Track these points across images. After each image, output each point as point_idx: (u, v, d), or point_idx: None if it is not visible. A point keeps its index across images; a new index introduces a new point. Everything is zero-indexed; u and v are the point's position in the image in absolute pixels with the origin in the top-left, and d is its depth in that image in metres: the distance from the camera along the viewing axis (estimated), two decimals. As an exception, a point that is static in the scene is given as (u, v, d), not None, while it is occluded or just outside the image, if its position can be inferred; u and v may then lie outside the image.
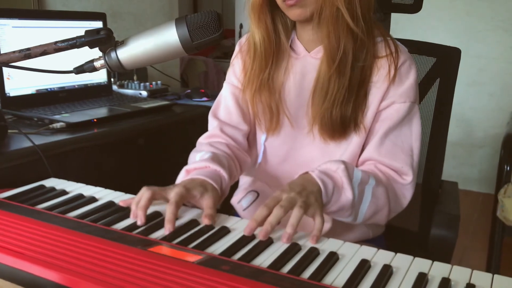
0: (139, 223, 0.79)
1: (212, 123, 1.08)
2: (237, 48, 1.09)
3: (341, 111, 0.93)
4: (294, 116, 1.01)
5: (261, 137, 1.06)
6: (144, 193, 0.82)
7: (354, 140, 0.96)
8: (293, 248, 0.71)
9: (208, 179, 0.89)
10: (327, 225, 0.96)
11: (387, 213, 0.93)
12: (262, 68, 0.99)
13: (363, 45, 0.93)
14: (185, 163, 0.99)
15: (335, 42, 0.91)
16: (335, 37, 0.91)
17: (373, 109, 0.95)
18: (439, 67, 1.16)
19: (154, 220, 0.80)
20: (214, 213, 0.82)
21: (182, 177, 0.94)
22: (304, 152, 1.02)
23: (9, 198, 0.89)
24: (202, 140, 1.07)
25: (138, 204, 0.81)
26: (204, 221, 0.80)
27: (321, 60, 0.95)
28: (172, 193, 0.82)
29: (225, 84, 1.10)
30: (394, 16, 1.26)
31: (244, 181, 1.14)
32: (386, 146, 0.95)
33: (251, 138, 1.10)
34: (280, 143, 1.04)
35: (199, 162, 0.95)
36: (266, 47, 0.98)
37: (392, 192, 0.93)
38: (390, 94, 0.94)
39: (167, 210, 0.79)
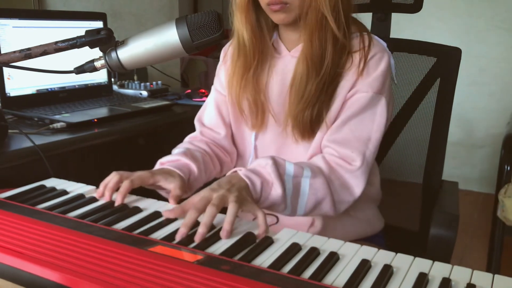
0: (104, 200, 0.88)
1: (196, 126, 1.14)
2: (222, 54, 1.11)
3: (312, 112, 0.95)
4: (278, 114, 1.02)
5: (251, 136, 1.08)
6: (113, 176, 0.90)
7: (318, 137, 0.97)
8: (294, 248, 0.71)
9: (176, 169, 0.94)
10: (318, 223, 0.99)
11: (331, 204, 0.91)
12: (247, 66, 1.01)
13: (342, 49, 0.94)
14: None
15: (318, 48, 0.92)
16: (318, 43, 0.92)
17: (339, 102, 0.95)
18: (439, 67, 1.15)
19: (154, 221, 0.80)
20: (180, 194, 0.89)
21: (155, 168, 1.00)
22: (291, 149, 1.03)
23: (9, 198, 0.89)
24: (185, 139, 1.13)
25: (106, 186, 0.89)
26: (170, 202, 0.87)
27: (298, 60, 0.96)
28: (135, 174, 0.90)
29: (211, 88, 1.15)
30: (394, 16, 1.26)
31: None
32: (342, 134, 0.95)
33: (235, 140, 1.12)
34: (269, 141, 1.06)
35: (172, 156, 1.01)
36: (253, 45, 0.99)
37: (336, 182, 0.92)
38: (356, 85, 0.95)
39: (123, 185, 0.87)
